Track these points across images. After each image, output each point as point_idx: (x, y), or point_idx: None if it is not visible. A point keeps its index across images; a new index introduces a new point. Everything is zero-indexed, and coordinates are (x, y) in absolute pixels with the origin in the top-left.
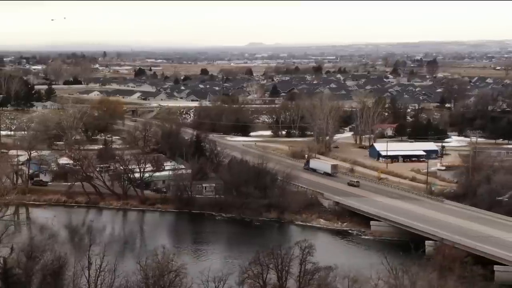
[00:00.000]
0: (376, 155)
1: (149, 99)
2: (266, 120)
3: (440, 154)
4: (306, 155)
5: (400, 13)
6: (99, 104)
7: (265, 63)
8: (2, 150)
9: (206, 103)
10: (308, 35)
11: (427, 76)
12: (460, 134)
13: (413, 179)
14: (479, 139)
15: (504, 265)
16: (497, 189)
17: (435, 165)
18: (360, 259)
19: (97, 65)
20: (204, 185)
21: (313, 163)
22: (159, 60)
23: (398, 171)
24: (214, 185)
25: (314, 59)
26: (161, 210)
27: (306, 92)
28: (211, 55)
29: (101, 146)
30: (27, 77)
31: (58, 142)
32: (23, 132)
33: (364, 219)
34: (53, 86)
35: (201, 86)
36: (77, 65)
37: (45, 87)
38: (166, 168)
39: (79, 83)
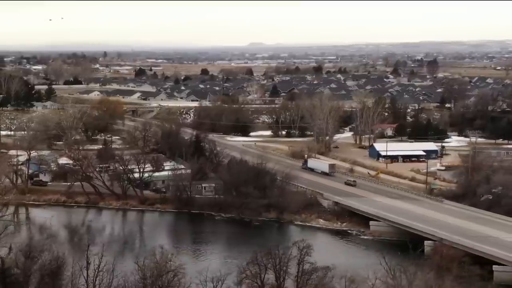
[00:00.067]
0: (376, 155)
1: (149, 99)
2: (266, 120)
3: (440, 154)
4: (306, 155)
5: (401, 13)
6: (99, 104)
7: (265, 63)
8: (2, 150)
9: (206, 103)
10: (309, 35)
11: (428, 76)
12: (460, 134)
13: (412, 179)
14: (479, 139)
15: (503, 265)
16: (496, 189)
17: (435, 165)
18: (359, 259)
19: (97, 65)
20: (203, 185)
21: (311, 163)
22: (159, 60)
23: (397, 171)
24: (213, 185)
25: (314, 59)
26: (161, 210)
27: (306, 92)
28: (212, 55)
29: (101, 146)
30: (27, 77)
31: (57, 142)
32: (23, 132)
33: (363, 219)
34: (53, 86)
35: (201, 86)
36: (78, 65)
37: (45, 87)
38: (166, 168)
39: (80, 83)
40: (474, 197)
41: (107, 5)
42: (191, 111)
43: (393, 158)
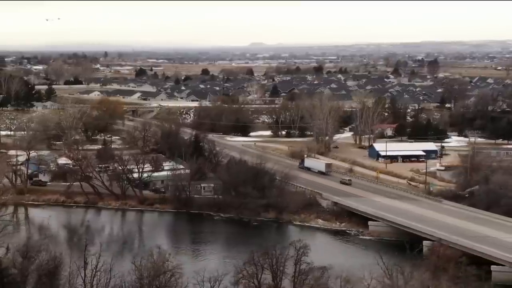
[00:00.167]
0: (376, 155)
1: (149, 99)
2: (266, 120)
3: (440, 154)
4: (305, 155)
5: (402, 13)
6: (99, 104)
7: (266, 63)
8: (1, 150)
9: (206, 103)
10: (310, 35)
11: (428, 76)
12: (460, 134)
13: (412, 179)
14: (479, 139)
15: (501, 265)
16: (495, 189)
17: (435, 165)
18: (357, 259)
19: (98, 65)
20: (202, 185)
21: (308, 162)
22: (160, 60)
23: (397, 171)
24: (212, 185)
25: (315, 59)
26: (160, 210)
27: (306, 92)
28: (213, 55)
29: (100, 146)
30: (28, 77)
31: (57, 142)
32: (22, 132)
33: (362, 219)
34: (54, 86)
35: (201, 86)
36: (78, 65)
37: (46, 87)
38: (165, 168)
39: (80, 83)
40: (472, 197)
41: (107, 5)
42: (191, 111)
43: (393, 158)
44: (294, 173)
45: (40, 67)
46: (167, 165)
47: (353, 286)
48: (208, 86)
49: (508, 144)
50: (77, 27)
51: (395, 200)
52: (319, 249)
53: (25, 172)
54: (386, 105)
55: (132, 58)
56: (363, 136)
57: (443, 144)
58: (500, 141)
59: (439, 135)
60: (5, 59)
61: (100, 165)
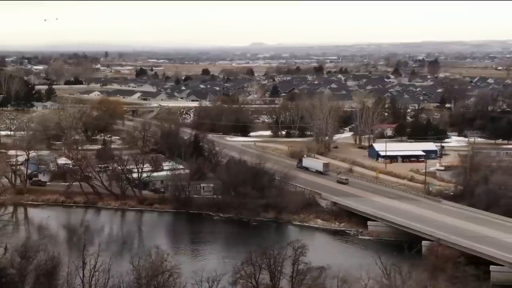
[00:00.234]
0: (375, 155)
1: (149, 99)
2: (266, 120)
3: (440, 154)
4: (305, 155)
5: (403, 13)
6: (99, 104)
7: (267, 63)
8: (1, 150)
9: (206, 103)
10: (311, 35)
11: (428, 76)
12: (460, 134)
13: (411, 179)
14: (479, 139)
15: (500, 265)
16: (494, 189)
17: (434, 165)
18: (356, 259)
19: (98, 65)
20: (202, 185)
21: (306, 162)
22: (161, 60)
23: (396, 171)
24: (212, 185)
25: (316, 59)
26: (159, 210)
27: (306, 92)
28: (213, 55)
29: (100, 146)
30: (28, 77)
31: (57, 142)
32: (22, 132)
33: (361, 219)
34: (54, 86)
35: (201, 86)
36: (79, 65)
37: (46, 87)
38: (165, 168)
39: (80, 83)
40: (472, 197)
41: (107, 5)
42: (191, 111)
43: (392, 158)
44: (293, 173)
45: (40, 67)
46: (166, 165)
47: (350, 286)
48: (208, 86)
49: (508, 144)
50: (77, 27)
51: (395, 200)
52: (318, 249)
53: (25, 172)
54: (386, 105)
55: (132, 58)
56: (363, 136)
57: (443, 144)
58: (500, 141)
59: (439, 135)
60: (6, 59)
61: (99, 165)
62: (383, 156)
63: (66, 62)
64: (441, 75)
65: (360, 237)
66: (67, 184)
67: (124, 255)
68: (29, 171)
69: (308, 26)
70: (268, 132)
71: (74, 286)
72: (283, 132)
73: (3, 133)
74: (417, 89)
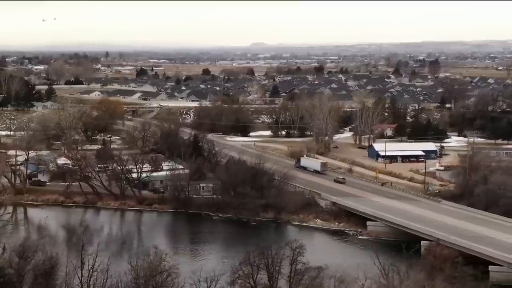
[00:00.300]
0: (375, 155)
1: (149, 99)
2: (266, 120)
3: (439, 154)
4: (305, 155)
5: (403, 13)
6: (99, 104)
7: (267, 63)
8: (1, 150)
9: (206, 103)
10: (311, 36)
11: (429, 76)
12: (460, 134)
13: (411, 179)
14: (479, 139)
15: (499, 265)
16: (493, 189)
17: (434, 165)
18: (355, 259)
19: (99, 65)
20: (201, 185)
21: (304, 161)
22: (161, 60)
23: (396, 171)
24: (211, 185)
25: (316, 59)
26: (159, 210)
27: (307, 92)
28: (214, 55)
29: (100, 146)
30: (28, 77)
31: (57, 142)
32: (22, 132)
33: (361, 219)
34: (54, 86)
35: (202, 86)
36: (79, 65)
37: (46, 87)
38: (164, 168)
39: (81, 83)
40: (471, 197)
41: (107, 5)
42: (191, 111)
43: (392, 158)
44: (293, 173)
45: (41, 67)
46: (166, 165)
47: (347, 286)
48: (209, 86)
49: (508, 144)
50: (77, 27)
51: (394, 200)
52: (317, 249)
53: (24, 172)
54: (386, 105)
55: (133, 58)
56: (363, 136)
57: (442, 144)
58: (500, 141)
59: (439, 135)
60: (6, 59)
61: (99, 165)
62: (383, 156)
63: (67, 62)
64: (441, 75)
65: (359, 237)
66: (66, 184)
67: (123, 255)
68: (28, 171)
69: (308, 26)
70: (268, 132)
71: (73, 286)
72: (283, 132)
73: (3, 133)
74: (418, 89)
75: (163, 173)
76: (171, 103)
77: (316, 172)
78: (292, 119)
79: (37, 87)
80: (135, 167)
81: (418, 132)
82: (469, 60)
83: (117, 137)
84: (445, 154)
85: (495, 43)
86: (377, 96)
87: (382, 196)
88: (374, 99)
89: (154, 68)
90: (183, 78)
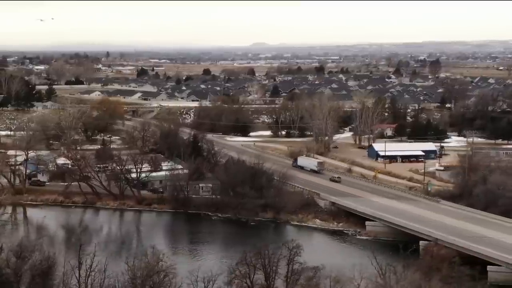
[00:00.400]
0: (375, 155)
1: (149, 99)
2: (266, 120)
3: (439, 154)
4: (305, 155)
5: (404, 13)
6: (99, 104)
7: (268, 63)
8: (0, 150)
9: (206, 103)
10: (312, 36)
11: (429, 76)
12: (460, 134)
13: (410, 179)
14: (479, 139)
15: (498, 265)
16: (493, 189)
17: (434, 165)
18: (353, 259)
19: (100, 65)
20: (200, 185)
21: (301, 161)
22: (162, 60)
23: (396, 171)
24: (210, 185)
25: (317, 59)
26: (158, 210)
27: (307, 92)
28: (215, 55)
29: (100, 146)
30: (29, 77)
31: (56, 142)
32: (22, 132)
33: (360, 219)
34: (55, 86)
35: (202, 86)
36: (80, 65)
37: (46, 87)
38: (163, 168)
39: (81, 83)
40: (470, 197)
41: (107, 5)
42: (191, 111)
43: (392, 158)
44: (291, 172)
45: (42, 67)
46: (165, 165)
47: (342, 286)
48: (209, 86)
49: (508, 144)
50: (77, 27)
51: (393, 200)
52: (316, 249)
53: (24, 172)
54: (386, 105)
55: (134, 58)
56: (363, 136)
57: (442, 144)
58: (500, 141)
59: (439, 135)
60: (7, 59)
61: (98, 165)
62: (383, 156)
63: (68, 62)
64: (442, 75)
65: (358, 237)
66: (66, 184)
67: (122, 255)
68: (28, 171)
69: (309, 26)
70: (268, 132)
71: (70, 286)
72: (283, 132)
73: (3, 133)
74: (418, 89)
75: (163, 173)
76: (171, 103)
77: (313, 171)
78: (292, 119)
79: (38, 87)
80: (134, 167)
81: (418, 132)
82: (470, 60)
83: (117, 137)
84: (445, 154)
85: (496, 43)
86: (377, 96)
87: (381, 196)
88: (374, 99)
89: (155, 68)
90: (184, 78)
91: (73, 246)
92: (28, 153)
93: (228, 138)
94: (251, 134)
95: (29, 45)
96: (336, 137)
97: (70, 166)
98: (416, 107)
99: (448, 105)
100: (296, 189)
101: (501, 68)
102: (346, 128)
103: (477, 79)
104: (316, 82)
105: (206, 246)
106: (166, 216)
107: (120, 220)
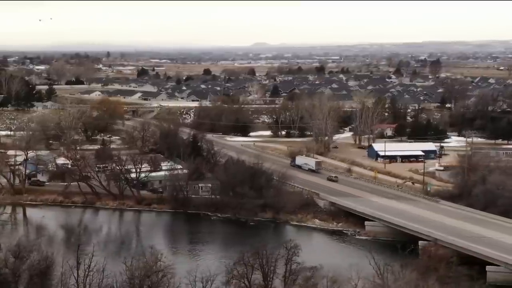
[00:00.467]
0: (375, 155)
1: (150, 99)
2: (266, 120)
3: (439, 155)
4: (304, 154)
5: (405, 13)
6: (99, 104)
7: (269, 63)
8: (0, 150)
9: (206, 103)
10: (313, 35)
11: (430, 77)
12: (460, 134)
13: (410, 179)
14: (479, 139)
15: (496, 265)
16: (492, 189)
17: (434, 165)
18: (352, 259)
19: (100, 65)
20: (200, 185)
21: (299, 160)
22: (163, 60)
23: (395, 171)
24: (210, 185)
25: (318, 59)
26: (157, 210)
27: (307, 92)
28: (216, 55)
29: (99, 146)
30: (29, 77)
31: (56, 142)
32: (22, 132)
33: (359, 220)
34: (55, 86)
35: (202, 86)
36: (81, 65)
37: (47, 87)
38: (163, 168)
39: (81, 83)
40: (469, 197)
41: (107, 5)
42: (191, 111)
43: (392, 158)
44: (291, 172)
45: (42, 67)
46: (165, 165)
47: (340, 286)
48: (209, 86)
49: (508, 144)
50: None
51: (392, 200)
52: (316, 249)
53: (23, 172)
54: (386, 105)
55: (134, 58)
56: (362, 136)
57: (442, 144)
58: (500, 141)
59: (439, 135)
60: (8, 59)
61: (98, 165)
62: (382, 156)
63: (68, 62)
64: (442, 75)
65: (357, 237)
66: (65, 184)
67: (121, 255)
68: (28, 171)
69: (310, 26)
70: (268, 132)
71: (68, 286)
72: (283, 132)
73: (3, 133)
74: (418, 89)
75: (162, 173)
76: (171, 103)
77: (310, 170)
78: (292, 119)
79: (38, 87)
80: (134, 167)
81: (418, 132)
82: (470, 60)
83: (117, 137)
84: (445, 154)
85: (497, 43)
86: (377, 96)
87: (380, 196)
88: (374, 99)
89: (155, 68)
90: (184, 78)
91: (71, 246)
92: (27, 153)
93: (228, 138)
94: (251, 134)
95: (30, 45)
96: (336, 137)
97: (69, 166)
98: (416, 107)
99: (448, 105)
100: (295, 189)
101: (501, 68)
102: (346, 128)
103: (477, 79)
104: (317, 82)
105: (205, 246)
106: (166, 216)
107: (119, 220)
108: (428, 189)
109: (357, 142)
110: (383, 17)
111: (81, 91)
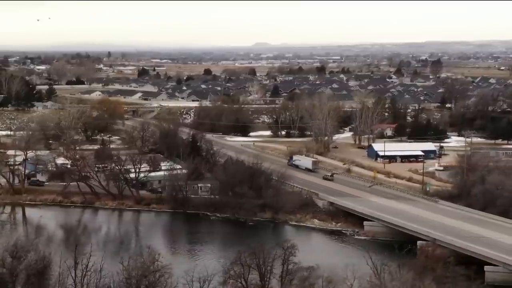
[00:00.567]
0: (374, 155)
1: (150, 99)
2: (266, 120)
3: (439, 155)
4: (304, 154)
5: (406, 13)
6: (99, 104)
7: (269, 63)
8: (0, 150)
9: (206, 103)
10: (314, 35)
11: (430, 76)
12: (460, 134)
13: (409, 180)
14: (479, 139)
15: (495, 265)
16: (491, 190)
17: (433, 165)
18: (350, 259)
19: (101, 65)
20: (199, 185)
21: (296, 159)
22: (164, 60)
23: (395, 171)
24: (209, 185)
25: (319, 59)
26: (156, 210)
27: (307, 92)
28: (217, 55)
29: (99, 146)
30: (30, 77)
31: (55, 142)
32: (22, 132)
33: (358, 219)
34: (56, 86)
35: (203, 86)
36: (81, 65)
37: (47, 87)
38: (162, 168)
39: (82, 83)
40: (468, 197)
41: (107, 5)
42: (191, 111)
43: (391, 158)
44: (290, 172)
45: (43, 67)
46: (164, 165)
47: (335, 286)
48: (210, 86)
49: (508, 144)
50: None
51: (392, 200)
52: (314, 249)
53: (23, 172)
54: (386, 105)
55: (135, 58)
56: (362, 136)
57: (442, 144)
58: (500, 141)
59: (439, 135)
60: (9, 59)
61: (97, 165)
62: (382, 156)
63: (69, 62)
64: (443, 75)
65: (356, 237)
66: (64, 184)
67: (119, 255)
68: (27, 171)
69: (311, 26)
70: (268, 132)
71: (66, 286)
72: (283, 132)
73: (3, 133)
74: (418, 89)
75: (161, 173)
76: (172, 103)
77: (308, 170)
78: (292, 119)
79: (38, 87)
80: (133, 167)
81: (418, 132)
82: (471, 60)
83: (117, 137)
84: (445, 154)
85: (498, 43)
86: (378, 96)
87: (379, 196)
88: (374, 99)
89: (156, 68)
90: (185, 78)
91: (70, 246)
92: (27, 153)
93: (228, 138)
94: (251, 134)
95: (30, 45)
96: (336, 137)
97: (69, 166)
98: (416, 107)
99: (448, 105)
100: (294, 189)
101: (502, 68)
102: (346, 128)
103: (478, 79)
104: (317, 82)
105: (204, 246)
106: (165, 216)
107: (118, 220)
108: (427, 189)
109: (357, 142)
110: (384, 17)
111: (81, 91)
